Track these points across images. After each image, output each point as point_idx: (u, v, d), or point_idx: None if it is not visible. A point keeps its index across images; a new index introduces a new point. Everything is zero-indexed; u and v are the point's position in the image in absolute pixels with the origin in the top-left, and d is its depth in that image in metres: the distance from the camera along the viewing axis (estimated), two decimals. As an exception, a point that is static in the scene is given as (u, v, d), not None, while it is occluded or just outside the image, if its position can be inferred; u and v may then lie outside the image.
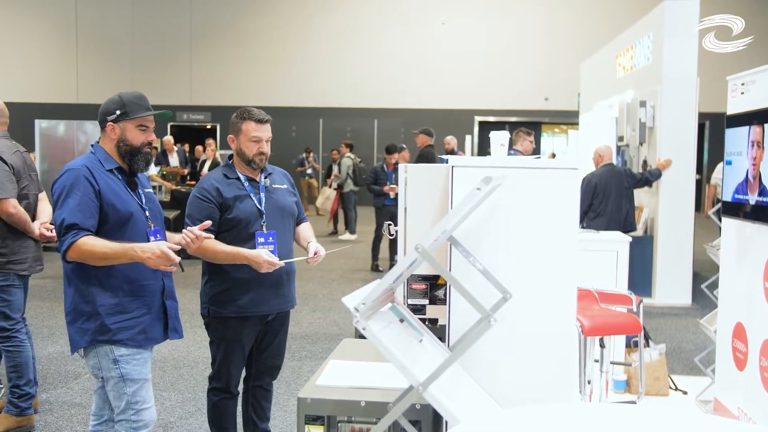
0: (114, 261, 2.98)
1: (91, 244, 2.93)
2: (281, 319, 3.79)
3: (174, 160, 14.00)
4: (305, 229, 3.87)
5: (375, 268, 10.45)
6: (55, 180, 3.07)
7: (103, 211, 3.01)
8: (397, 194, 3.33)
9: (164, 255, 2.90)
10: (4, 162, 4.33)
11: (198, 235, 3.14)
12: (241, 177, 3.64)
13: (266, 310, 3.65)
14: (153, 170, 12.49)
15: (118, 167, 3.14)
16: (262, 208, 3.61)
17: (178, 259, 2.94)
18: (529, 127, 10.83)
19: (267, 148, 3.63)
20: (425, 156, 9.84)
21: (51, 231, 4.42)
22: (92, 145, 3.19)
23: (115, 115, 3.11)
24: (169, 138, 14.12)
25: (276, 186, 3.73)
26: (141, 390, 3.12)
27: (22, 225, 4.40)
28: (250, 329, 3.66)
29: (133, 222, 3.08)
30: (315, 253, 3.66)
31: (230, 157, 3.73)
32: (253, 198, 3.61)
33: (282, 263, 3.51)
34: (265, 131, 3.62)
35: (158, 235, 3.17)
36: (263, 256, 3.44)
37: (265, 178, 3.70)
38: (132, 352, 3.09)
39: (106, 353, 3.06)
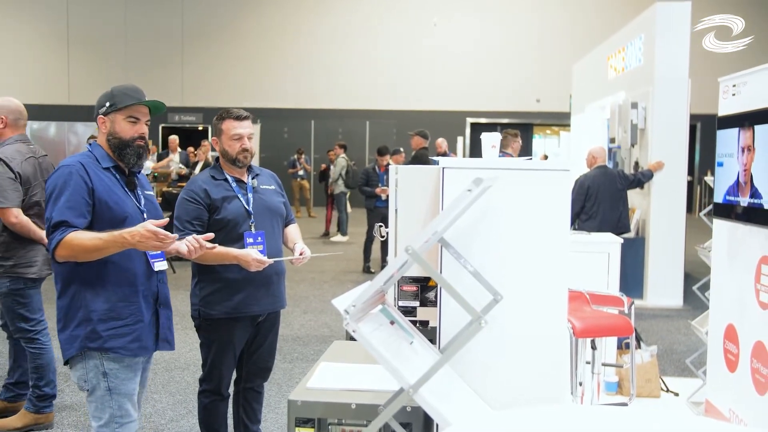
0: (106, 252, 2.81)
1: (80, 238, 2.79)
2: (272, 320, 3.78)
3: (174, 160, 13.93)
4: (293, 231, 3.86)
5: (366, 270, 10.44)
6: (48, 177, 2.97)
7: (96, 210, 2.88)
8: (388, 196, 3.34)
9: (151, 233, 2.73)
10: (11, 169, 4.21)
11: (202, 244, 3.04)
12: (229, 178, 3.63)
13: (257, 310, 3.64)
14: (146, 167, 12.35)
15: (116, 165, 3.01)
16: (250, 209, 3.60)
17: (168, 234, 2.76)
18: (520, 128, 10.84)
19: (249, 145, 3.62)
20: (419, 158, 9.83)
21: None
22: (90, 144, 3.08)
23: (105, 108, 2.99)
24: (174, 137, 13.96)
25: (264, 187, 3.73)
26: (127, 404, 3.00)
27: (26, 233, 4.29)
28: (240, 331, 3.64)
29: (129, 224, 2.91)
30: (300, 254, 3.65)
31: (217, 158, 3.72)
32: (241, 199, 3.61)
33: (271, 261, 3.51)
34: (246, 127, 3.61)
35: None
36: (252, 254, 3.44)
37: (253, 179, 3.70)
38: (122, 366, 2.96)
39: (96, 366, 2.94)
